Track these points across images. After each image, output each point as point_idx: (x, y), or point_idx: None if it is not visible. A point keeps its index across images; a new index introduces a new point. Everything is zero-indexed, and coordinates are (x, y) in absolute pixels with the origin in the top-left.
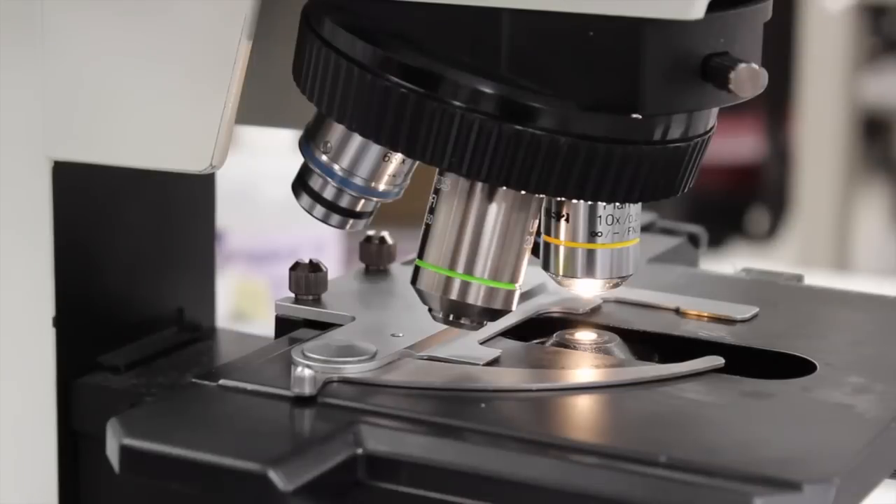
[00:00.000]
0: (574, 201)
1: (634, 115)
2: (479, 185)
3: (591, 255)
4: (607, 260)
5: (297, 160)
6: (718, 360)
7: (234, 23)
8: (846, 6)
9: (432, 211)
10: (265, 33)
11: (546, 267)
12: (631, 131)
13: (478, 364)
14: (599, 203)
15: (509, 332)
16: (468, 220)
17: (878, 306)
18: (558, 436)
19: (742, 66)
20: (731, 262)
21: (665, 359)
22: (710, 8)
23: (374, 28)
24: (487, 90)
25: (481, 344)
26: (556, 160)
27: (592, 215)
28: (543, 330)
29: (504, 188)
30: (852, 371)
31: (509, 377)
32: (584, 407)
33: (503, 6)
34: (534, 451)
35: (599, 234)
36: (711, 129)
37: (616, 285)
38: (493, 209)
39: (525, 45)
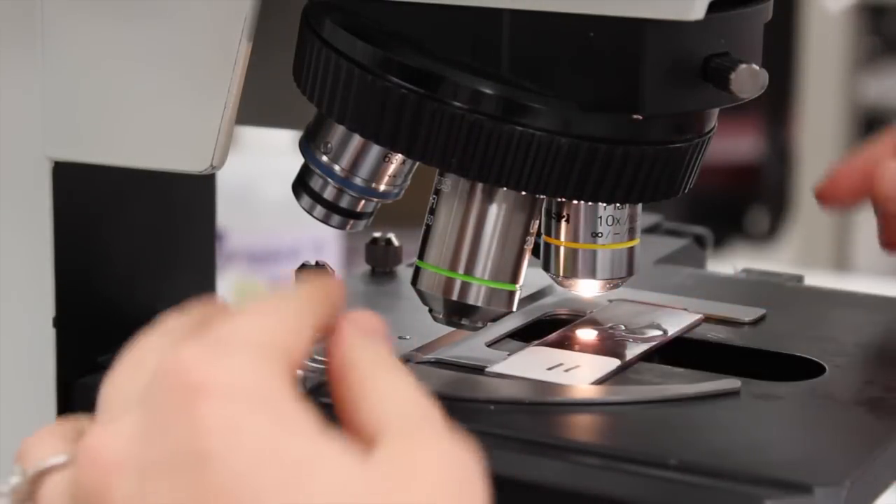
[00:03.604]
0: (575, 202)
1: (635, 116)
2: (480, 186)
3: (591, 255)
4: (608, 260)
5: (297, 160)
6: (735, 384)
7: (234, 23)
8: (846, 6)
9: (433, 211)
10: (265, 33)
11: (546, 267)
12: (631, 132)
13: (485, 367)
14: (600, 204)
15: (517, 334)
16: (468, 221)
17: (881, 307)
18: (567, 438)
19: (742, 66)
20: (731, 262)
21: (672, 361)
22: (711, 8)
23: (374, 28)
24: (487, 91)
25: (489, 346)
26: (556, 161)
27: (593, 216)
28: (551, 332)
29: (504, 189)
30: (861, 372)
31: (517, 388)
32: (593, 409)
33: (503, 6)
34: (542, 453)
35: (600, 234)
36: (712, 129)
37: (616, 286)
38: (494, 210)
39: (525, 45)
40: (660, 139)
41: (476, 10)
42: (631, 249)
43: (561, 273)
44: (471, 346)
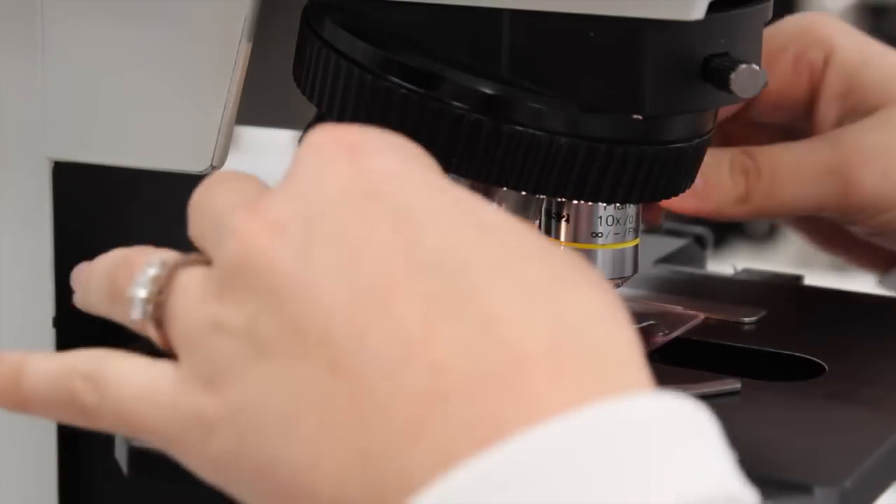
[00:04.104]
0: (574, 202)
1: (635, 116)
2: (480, 186)
3: (591, 255)
4: (608, 260)
5: None
6: (735, 384)
7: (234, 23)
8: (846, 6)
9: None
10: (265, 33)
11: None
12: (631, 132)
13: None
14: (600, 204)
15: None
16: None
17: (881, 307)
18: None
19: (743, 66)
20: (731, 262)
21: (672, 361)
22: (711, 8)
23: (374, 29)
24: (487, 91)
25: None
26: (556, 161)
27: (593, 216)
28: None
29: (504, 188)
30: (861, 373)
31: None
32: None
33: (503, 6)
34: None
35: (600, 234)
36: (712, 129)
37: (617, 286)
38: None
39: (525, 45)
40: (660, 139)
41: (476, 10)
42: (631, 249)
43: None
44: None
